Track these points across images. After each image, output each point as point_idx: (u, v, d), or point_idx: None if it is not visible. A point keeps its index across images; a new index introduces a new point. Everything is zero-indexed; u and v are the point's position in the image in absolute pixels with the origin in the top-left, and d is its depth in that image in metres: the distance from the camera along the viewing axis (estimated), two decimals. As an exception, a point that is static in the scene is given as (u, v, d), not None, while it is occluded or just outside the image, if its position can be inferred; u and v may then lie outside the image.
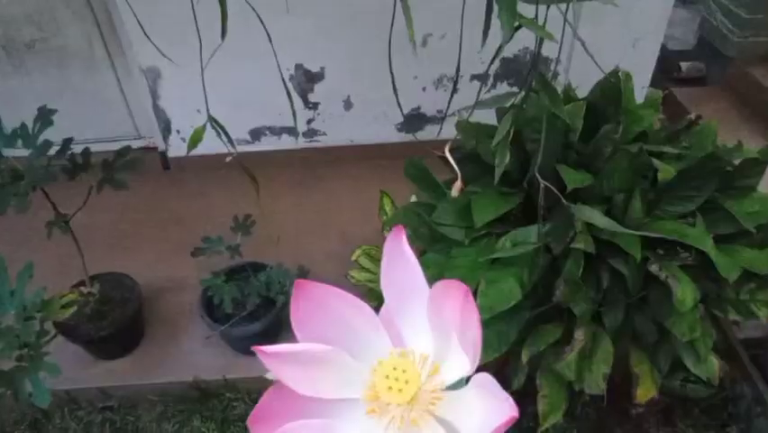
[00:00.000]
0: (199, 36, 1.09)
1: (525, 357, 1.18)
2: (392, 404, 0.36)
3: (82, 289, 1.53)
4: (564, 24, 0.90)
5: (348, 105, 2.18)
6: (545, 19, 0.82)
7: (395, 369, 0.36)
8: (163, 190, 2.25)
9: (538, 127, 1.27)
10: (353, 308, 0.40)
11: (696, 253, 1.17)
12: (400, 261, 0.39)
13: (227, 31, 1.01)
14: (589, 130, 1.26)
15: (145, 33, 1.14)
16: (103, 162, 1.53)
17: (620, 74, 1.33)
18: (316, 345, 0.38)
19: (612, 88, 1.29)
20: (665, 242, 1.22)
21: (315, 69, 2.06)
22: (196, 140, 1.17)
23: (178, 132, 2.21)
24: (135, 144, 2.23)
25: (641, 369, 1.23)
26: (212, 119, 1.20)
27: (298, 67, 2.05)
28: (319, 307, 0.40)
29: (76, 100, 2.12)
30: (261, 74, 2.01)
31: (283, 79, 1.14)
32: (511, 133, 0.99)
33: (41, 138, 1.38)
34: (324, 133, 2.27)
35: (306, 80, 2.09)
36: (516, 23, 0.79)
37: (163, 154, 2.31)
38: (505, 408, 0.32)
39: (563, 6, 0.84)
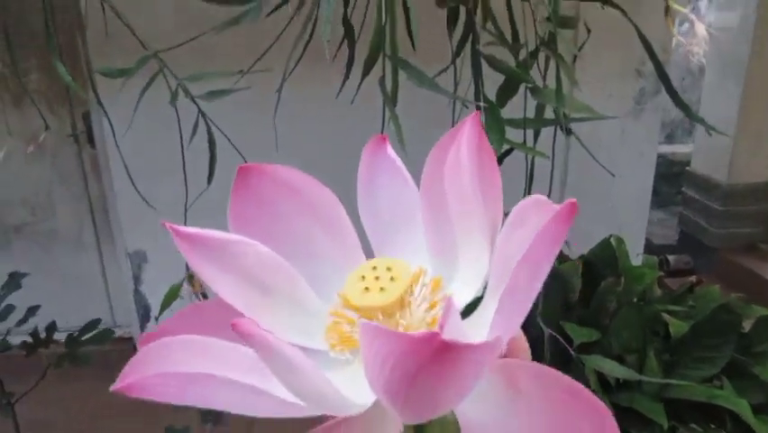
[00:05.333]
0: (186, 194, 1.08)
1: None
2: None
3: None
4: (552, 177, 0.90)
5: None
6: (534, 144, 0.82)
7: (375, 268, 0.25)
8: (132, 384, 2.07)
9: (535, 288, 1.21)
10: (318, 212, 0.28)
11: (730, 423, 1.02)
12: (386, 175, 0.29)
13: (213, 177, 1.00)
14: (588, 293, 1.20)
15: (133, 185, 1.12)
16: (67, 337, 1.42)
17: (612, 240, 1.32)
18: (258, 245, 0.26)
19: (607, 251, 1.26)
20: (691, 414, 1.08)
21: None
22: (171, 298, 1.09)
23: (156, 319, 2.11)
24: (110, 334, 2.11)
25: None
26: (191, 276, 1.13)
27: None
28: (264, 206, 0.28)
29: (55, 286, 2.06)
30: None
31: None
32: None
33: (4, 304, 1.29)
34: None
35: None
36: (506, 147, 0.78)
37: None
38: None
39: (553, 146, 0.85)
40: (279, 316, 0.26)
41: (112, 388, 0.21)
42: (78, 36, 1.62)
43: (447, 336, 0.17)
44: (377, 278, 0.25)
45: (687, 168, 2.56)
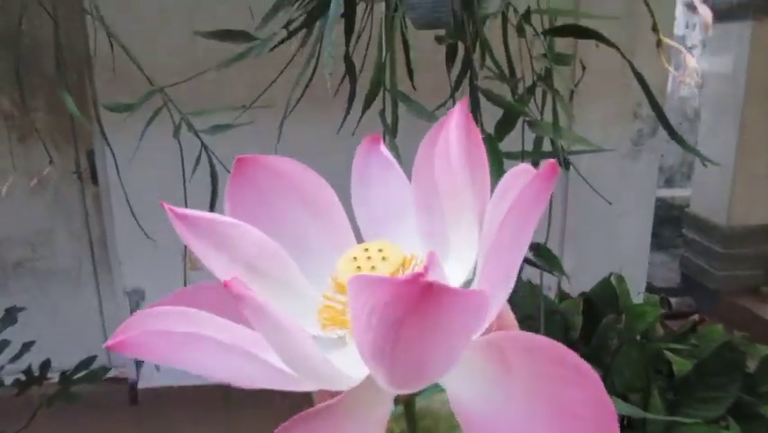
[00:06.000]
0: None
1: None
2: None
3: None
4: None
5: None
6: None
7: (366, 250, 0.25)
8: (126, 428, 2.02)
9: (534, 325, 1.20)
10: (309, 198, 0.28)
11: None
12: (379, 169, 0.30)
13: (215, 210, 1.01)
14: (589, 331, 1.19)
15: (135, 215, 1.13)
16: (60, 375, 1.40)
17: (612, 278, 1.31)
18: (247, 227, 0.26)
19: (607, 289, 1.26)
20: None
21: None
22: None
23: (152, 359, 2.08)
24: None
25: None
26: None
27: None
28: (256, 193, 0.28)
29: (52, 323, 2.04)
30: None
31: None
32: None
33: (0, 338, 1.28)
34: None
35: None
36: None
37: (133, 387, 2.13)
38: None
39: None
40: (271, 299, 0.26)
41: (105, 344, 0.21)
42: (86, 73, 1.66)
43: (431, 278, 0.17)
44: (368, 258, 0.25)
45: (686, 209, 2.57)
